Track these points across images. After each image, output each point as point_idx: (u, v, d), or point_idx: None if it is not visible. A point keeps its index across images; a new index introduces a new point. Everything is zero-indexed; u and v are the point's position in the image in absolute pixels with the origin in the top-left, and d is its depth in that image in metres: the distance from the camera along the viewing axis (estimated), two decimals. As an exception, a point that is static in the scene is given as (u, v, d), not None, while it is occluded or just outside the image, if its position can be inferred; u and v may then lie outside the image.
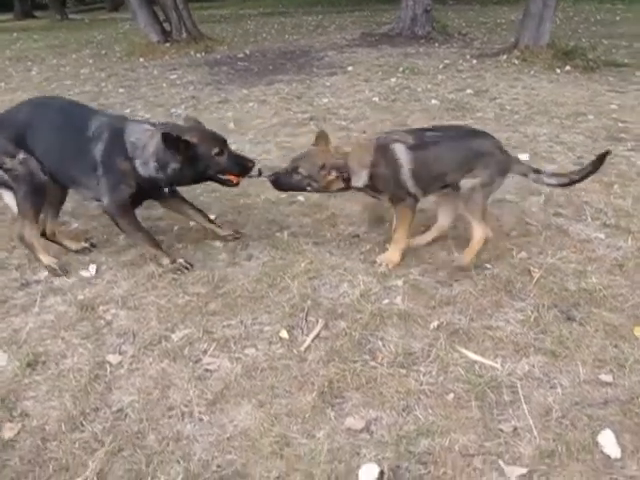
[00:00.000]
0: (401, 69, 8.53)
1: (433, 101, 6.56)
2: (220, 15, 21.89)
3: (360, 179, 2.98)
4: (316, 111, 6.32)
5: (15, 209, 3.26)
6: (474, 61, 9.09)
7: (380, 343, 2.47)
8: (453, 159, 2.99)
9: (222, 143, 3.05)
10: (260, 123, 5.94)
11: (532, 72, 8.04)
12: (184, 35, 12.40)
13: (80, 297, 3.01)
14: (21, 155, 3.12)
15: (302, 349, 2.46)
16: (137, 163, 3.00)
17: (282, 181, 3.06)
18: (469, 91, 7.02)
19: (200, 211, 3.47)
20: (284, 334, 2.56)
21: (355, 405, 2.14)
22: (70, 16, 31.53)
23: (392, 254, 3.12)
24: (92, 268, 3.27)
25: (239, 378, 2.31)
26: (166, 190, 3.20)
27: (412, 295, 2.81)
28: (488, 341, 2.46)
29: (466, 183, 2.98)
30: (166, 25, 12.76)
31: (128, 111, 7.02)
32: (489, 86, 7.29)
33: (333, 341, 2.49)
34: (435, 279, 2.95)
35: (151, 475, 1.93)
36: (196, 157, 2.94)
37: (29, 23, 29.63)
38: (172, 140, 2.85)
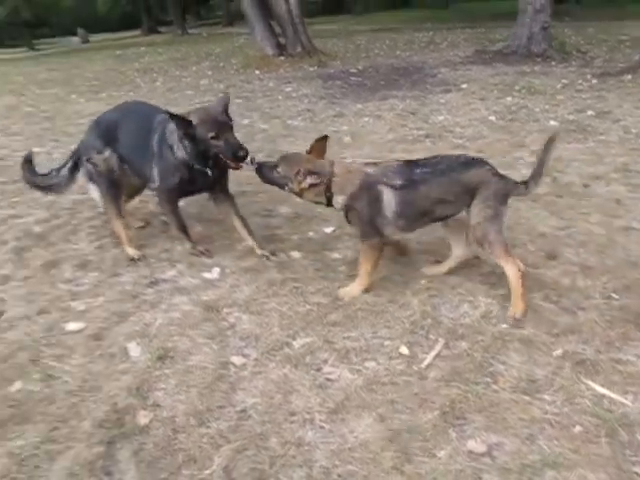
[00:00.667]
0: (517, 88, 8.35)
1: (552, 122, 6.38)
2: (331, 30, 22.36)
3: (337, 203, 3.04)
4: (432, 128, 6.32)
5: (100, 202, 3.86)
6: (594, 81, 8.73)
7: (502, 367, 2.44)
8: (443, 195, 2.92)
9: (221, 127, 3.28)
10: (376, 138, 6.02)
11: (660, 93, 7.62)
12: (298, 49, 12.78)
13: (204, 298, 3.19)
14: (107, 153, 3.71)
15: (423, 366, 2.47)
16: (174, 148, 3.42)
17: (264, 173, 3.17)
18: (590, 112, 6.75)
19: (245, 224, 3.71)
20: (404, 350, 2.58)
21: (477, 428, 2.12)
22: (190, 31, 33.26)
23: (353, 289, 3.10)
24: (215, 271, 3.46)
25: (360, 390, 2.36)
26: (210, 176, 3.49)
27: (534, 320, 2.75)
28: (617, 375, 2.36)
29: (471, 220, 2.90)
30: (281, 39, 13.19)
31: (246, 122, 7.33)
32: (612, 107, 6.97)
33: (454, 361, 2.49)
34: (558, 306, 2.87)
35: (274, 477, 2.00)
36: (194, 137, 3.28)
37: (154, 38, 31.59)
38: (175, 118, 3.27)
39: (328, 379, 2.45)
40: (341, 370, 2.50)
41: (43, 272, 3.67)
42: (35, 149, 6.88)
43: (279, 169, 3.09)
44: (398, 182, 2.93)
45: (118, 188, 3.81)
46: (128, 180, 3.88)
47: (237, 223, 3.72)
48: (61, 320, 3.10)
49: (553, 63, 10.65)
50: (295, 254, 3.59)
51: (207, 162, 3.43)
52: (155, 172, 3.58)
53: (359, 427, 2.18)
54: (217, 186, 3.66)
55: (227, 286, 3.29)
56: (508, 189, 2.95)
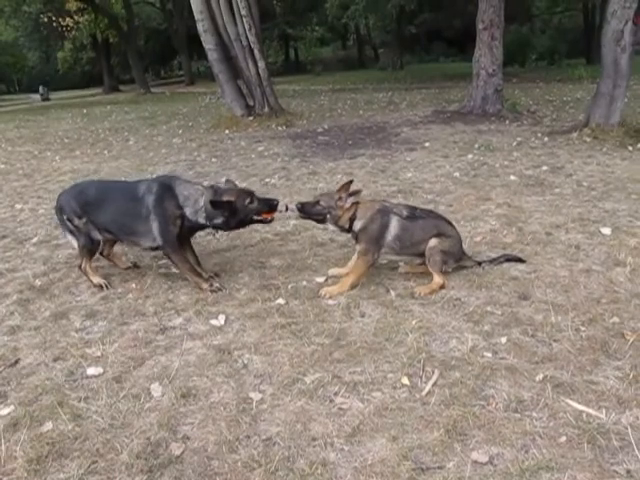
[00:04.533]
0: (477, 146, 8.99)
1: (512, 177, 6.93)
2: (293, 90, 23.26)
3: (357, 225, 3.95)
4: (402, 185, 6.80)
5: (75, 246, 4.46)
6: (546, 138, 9.45)
7: (493, 391, 2.78)
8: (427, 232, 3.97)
9: (251, 194, 4.07)
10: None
11: (604, 149, 8.32)
12: (266, 109, 13.33)
13: (215, 342, 3.46)
14: (84, 219, 4.27)
15: (423, 394, 2.79)
16: (187, 211, 4.05)
17: (306, 209, 4.02)
18: (545, 168, 7.35)
19: (195, 255, 4.43)
20: (406, 381, 2.90)
21: (478, 442, 2.45)
22: (152, 90, 33.85)
23: (335, 289, 3.96)
24: (221, 318, 3.73)
25: (371, 416, 2.66)
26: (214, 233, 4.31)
27: (515, 352, 3.12)
28: (591, 394, 2.73)
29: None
30: (248, 100, 13.73)
31: (224, 179, 7.64)
32: (564, 163, 7.61)
33: (450, 388, 2.82)
34: (535, 338, 3.26)
35: (307, 492, 2.28)
36: (236, 209, 3.98)
37: (117, 96, 32.12)
38: (218, 203, 3.94)
39: (341, 408, 2.74)
40: (351, 400, 2.80)
41: (52, 322, 3.88)
42: (17, 205, 7.13)
43: (321, 203, 3.96)
44: (405, 213, 3.99)
45: (96, 244, 4.41)
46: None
47: (192, 258, 4.37)
48: (79, 366, 3.31)
49: (507, 122, 11.42)
50: (293, 301, 3.90)
51: (241, 227, 4.25)
52: (156, 230, 4.10)
53: (375, 447, 2.48)
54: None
55: (234, 331, 3.57)
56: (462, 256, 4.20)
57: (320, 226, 4.52)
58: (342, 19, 35.86)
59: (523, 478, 2.23)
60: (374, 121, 12.60)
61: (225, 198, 3.97)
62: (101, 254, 4.68)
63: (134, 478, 2.41)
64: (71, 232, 4.40)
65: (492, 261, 4.26)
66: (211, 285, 4.17)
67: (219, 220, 4.03)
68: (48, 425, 2.78)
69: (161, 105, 22.23)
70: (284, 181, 7.34)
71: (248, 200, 4.00)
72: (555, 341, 3.21)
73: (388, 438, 2.52)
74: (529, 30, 34.38)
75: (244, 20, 12.50)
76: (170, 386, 3.04)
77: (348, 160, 8.52)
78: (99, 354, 3.42)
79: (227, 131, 12.32)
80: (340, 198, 3.90)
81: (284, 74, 35.29)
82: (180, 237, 4.17)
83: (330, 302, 3.85)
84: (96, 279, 4.42)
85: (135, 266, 4.78)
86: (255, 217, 4.08)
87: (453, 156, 8.37)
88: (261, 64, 12.96)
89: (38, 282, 4.60)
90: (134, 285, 4.35)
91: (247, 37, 12.67)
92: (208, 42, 12.89)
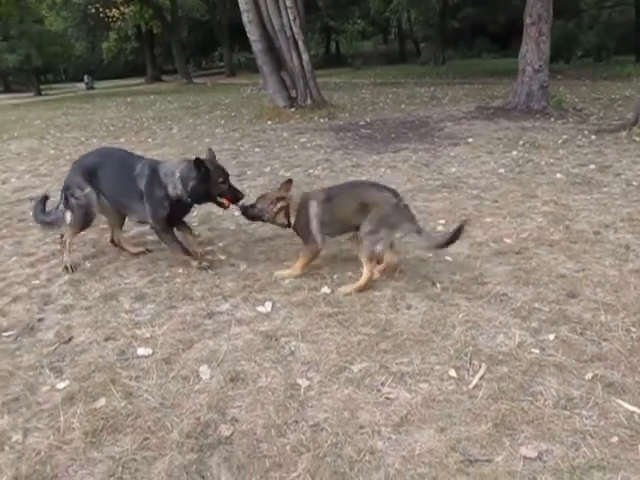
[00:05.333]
0: (521, 142, 8.85)
1: (558, 175, 6.81)
2: (334, 83, 23.19)
3: (292, 221, 4.09)
4: (446, 179, 6.76)
5: (68, 221, 4.61)
6: (593, 137, 9.23)
7: (541, 387, 2.76)
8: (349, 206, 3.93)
9: (226, 175, 4.32)
10: (395, 188, 6.41)
11: (655, 149, 8.11)
12: (309, 101, 13.37)
13: (262, 329, 3.51)
14: (87, 189, 4.50)
15: (471, 387, 2.79)
16: (169, 188, 4.25)
17: (247, 212, 4.24)
18: (592, 166, 7.20)
19: (188, 228, 4.73)
20: (453, 373, 2.91)
21: (527, 437, 2.44)
22: (194, 80, 34.24)
23: (284, 273, 4.18)
24: (268, 305, 3.78)
25: (419, 406, 2.67)
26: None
27: (564, 349, 3.09)
28: (643, 396, 2.70)
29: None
30: (292, 92, 13.79)
31: (268, 169, 7.77)
32: (612, 162, 7.43)
33: (498, 382, 2.81)
34: (584, 337, 3.21)
35: (355, 477, 2.30)
36: (208, 179, 4.18)
37: (159, 86, 32.59)
38: (199, 162, 4.13)
39: (388, 398, 2.76)
40: (399, 390, 2.81)
41: (103, 303, 3.99)
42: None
43: (257, 206, 4.17)
44: (321, 197, 4.04)
45: (88, 220, 4.67)
46: (111, 214, 4.80)
47: (189, 237, 4.67)
48: (130, 346, 3.40)
49: (552, 119, 11.21)
50: (339, 291, 3.92)
51: (205, 200, 4.44)
52: (148, 210, 4.37)
53: (422, 437, 2.49)
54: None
55: (281, 318, 3.62)
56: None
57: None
58: (384, 13, 35.70)
59: (574, 476, 2.22)
60: (417, 115, 12.52)
61: (206, 164, 4.21)
62: (112, 242, 4.95)
63: (185, 456, 2.47)
64: (71, 208, 4.59)
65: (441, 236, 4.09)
66: (200, 263, 4.44)
67: (190, 184, 4.20)
68: (102, 401, 2.88)
69: (203, 95, 22.48)
70: (328, 172, 7.37)
71: (221, 179, 4.26)
72: (605, 340, 3.17)
73: (436, 429, 2.53)
74: (576, 25, 33.58)
75: (289, 11, 12.54)
76: (218, 369, 3.10)
77: (391, 154, 8.50)
78: (148, 335, 3.50)
79: (269, 122, 12.39)
80: (271, 202, 4.07)
81: (324, 67, 35.19)
82: (172, 217, 4.43)
83: (376, 293, 3.86)
84: (67, 258, 4.65)
85: (148, 251, 4.96)
86: (218, 198, 4.33)
87: (497, 152, 8.27)
88: (305, 56, 12.99)
89: (88, 264, 4.73)
90: (181, 270, 4.43)
91: (291, 28, 12.71)
92: (253, 33, 12.97)
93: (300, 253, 4.22)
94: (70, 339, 3.54)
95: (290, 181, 4.18)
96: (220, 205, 4.42)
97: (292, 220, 4.10)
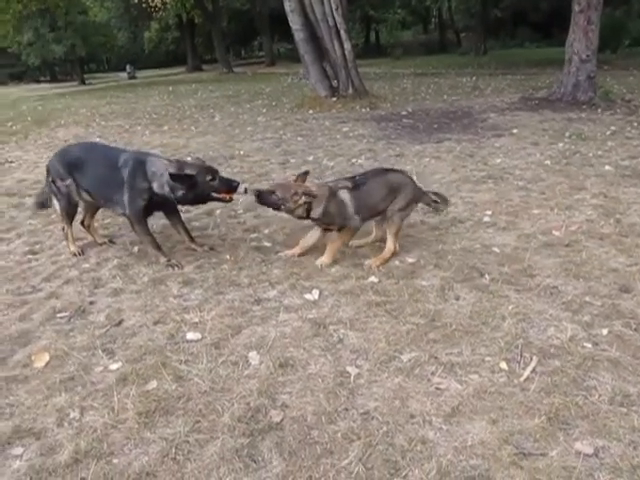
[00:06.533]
0: (567, 134, 8.64)
1: (607, 167, 6.63)
2: (375, 73, 23.01)
3: (317, 213, 4.07)
4: (492, 170, 6.65)
5: (58, 211, 4.74)
6: (643, 128, 8.98)
7: (595, 382, 2.71)
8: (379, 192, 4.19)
9: (214, 172, 4.25)
10: (440, 178, 6.38)
11: None
12: (350, 91, 13.30)
13: (310, 316, 3.52)
14: (68, 181, 4.53)
15: (522, 380, 2.76)
16: (154, 185, 4.22)
17: (263, 198, 4.11)
18: (643, 159, 7.01)
19: (186, 230, 4.73)
20: (504, 365, 2.87)
21: (582, 432, 2.40)
22: (234, 69, 34.43)
23: (325, 259, 4.22)
24: (315, 293, 3.79)
25: (470, 397, 2.66)
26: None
27: (618, 344, 3.02)
28: None
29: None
30: (333, 81, 13.74)
31: (311, 158, 7.78)
32: (664, 155, 7.22)
33: (550, 376, 2.77)
34: (638, 333, 3.14)
35: (408, 467, 2.29)
36: (195, 183, 4.14)
37: (200, 75, 32.91)
38: (176, 176, 4.11)
39: (438, 388, 2.75)
40: (449, 381, 2.79)
41: (152, 287, 4.06)
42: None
43: (277, 194, 4.05)
44: (349, 185, 4.15)
45: (74, 207, 4.72)
46: (89, 202, 4.79)
47: (180, 228, 4.72)
48: (179, 330, 3.45)
49: (599, 111, 10.90)
50: (386, 280, 3.91)
51: (201, 202, 4.52)
52: (126, 200, 4.33)
53: (474, 429, 2.47)
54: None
55: (329, 306, 3.62)
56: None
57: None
58: (425, 2, 35.22)
59: (635, 475, 2.17)
60: (459, 106, 12.34)
61: (186, 171, 4.16)
62: (81, 224, 5.03)
63: (236, 440, 2.50)
64: (55, 194, 4.67)
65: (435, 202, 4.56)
66: (169, 260, 4.44)
67: (179, 193, 4.18)
68: (153, 383, 2.93)
69: (244, 84, 22.57)
70: (371, 162, 7.33)
71: (209, 177, 4.19)
72: (664, 337, 3.09)
73: (488, 421, 2.50)
74: (624, 13, 32.53)
75: (331, 0, 12.46)
76: (268, 355, 3.12)
77: (434, 144, 8.41)
78: (197, 320, 3.55)
79: (311, 111, 12.38)
80: (295, 193, 3.99)
81: (364, 57, 34.89)
82: (149, 209, 4.43)
83: (424, 283, 3.84)
84: (72, 247, 4.79)
85: (110, 242, 5.06)
86: (214, 194, 4.26)
87: (543, 144, 8.09)
88: (347, 45, 12.90)
89: (136, 249, 4.80)
90: (228, 257, 4.47)
91: (334, 17, 12.62)
92: (295, 22, 12.93)
93: (341, 232, 4.22)
94: (120, 322, 3.61)
95: (307, 173, 4.26)
96: (220, 201, 4.39)
97: (317, 212, 4.07)
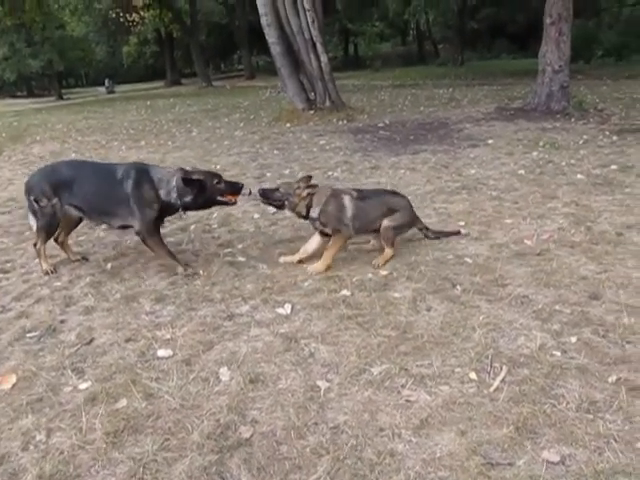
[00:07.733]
0: (541, 143, 8.75)
1: (579, 176, 6.72)
2: (353, 85, 23.21)
3: (315, 212, 4.23)
4: (466, 181, 6.71)
5: (34, 228, 4.65)
6: (614, 137, 9.08)
7: (563, 390, 2.73)
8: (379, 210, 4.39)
9: (219, 176, 4.40)
10: (415, 189, 6.42)
11: (679, 149, 7.96)
12: (327, 103, 13.38)
13: (282, 331, 3.51)
14: (54, 200, 4.43)
15: (492, 390, 2.77)
16: (162, 193, 4.28)
17: (267, 194, 4.32)
18: (614, 167, 7.07)
19: None
20: (473, 376, 2.88)
21: (549, 441, 2.41)
22: (213, 83, 34.48)
23: (317, 266, 4.29)
24: (287, 307, 3.78)
25: (439, 409, 2.66)
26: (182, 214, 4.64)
27: (586, 352, 3.05)
28: (670, 400, 2.65)
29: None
30: (310, 94, 13.80)
31: (287, 172, 7.80)
32: (634, 162, 7.27)
33: (519, 385, 2.79)
34: (606, 339, 3.17)
35: (375, 480, 2.29)
36: (205, 187, 4.28)
37: (179, 89, 32.93)
38: (189, 180, 4.24)
39: (408, 400, 2.75)
40: (419, 393, 2.79)
41: (124, 304, 4.03)
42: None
43: (281, 190, 4.28)
44: (355, 194, 4.36)
45: (55, 226, 4.64)
46: (68, 219, 4.73)
47: None
48: (150, 347, 3.42)
49: (572, 120, 11.05)
50: (359, 293, 3.92)
51: (206, 207, 4.60)
52: (135, 213, 4.32)
53: (443, 440, 2.47)
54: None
55: (300, 320, 3.62)
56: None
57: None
58: (403, 14, 35.57)
59: (598, 480, 2.19)
60: (436, 117, 12.46)
61: (195, 176, 4.28)
62: (55, 240, 4.89)
63: (205, 457, 2.48)
64: (34, 213, 4.57)
65: (435, 233, 4.83)
66: (186, 270, 4.45)
67: (188, 198, 4.28)
68: (123, 402, 2.90)
69: (222, 98, 22.60)
70: (347, 174, 7.37)
71: (216, 180, 4.34)
72: (628, 343, 3.11)
73: (456, 432, 2.51)
74: (596, 25, 33.12)
75: (307, 14, 12.56)
76: (238, 371, 3.11)
77: (410, 155, 8.47)
78: (169, 337, 3.52)
79: (288, 124, 12.42)
80: (298, 187, 4.23)
81: (343, 69, 35.17)
82: (158, 220, 4.45)
83: (396, 295, 3.85)
84: (45, 265, 4.72)
85: (84, 259, 5.00)
86: (220, 198, 4.38)
87: (517, 153, 8.19)
88: (323, 58, 13.00)
89: (109, 266, 4.77)
90: (201, 272, 4.45)
91: (310, 30, 12.72)
92: (271, 36, 13.00)
93: (333, 239, 4.32)
94: (91, 340, 3.58)
95: (309, 177, 4.40)
96: (226, 204, 4.51)
97: (316, 211, 4.23)
